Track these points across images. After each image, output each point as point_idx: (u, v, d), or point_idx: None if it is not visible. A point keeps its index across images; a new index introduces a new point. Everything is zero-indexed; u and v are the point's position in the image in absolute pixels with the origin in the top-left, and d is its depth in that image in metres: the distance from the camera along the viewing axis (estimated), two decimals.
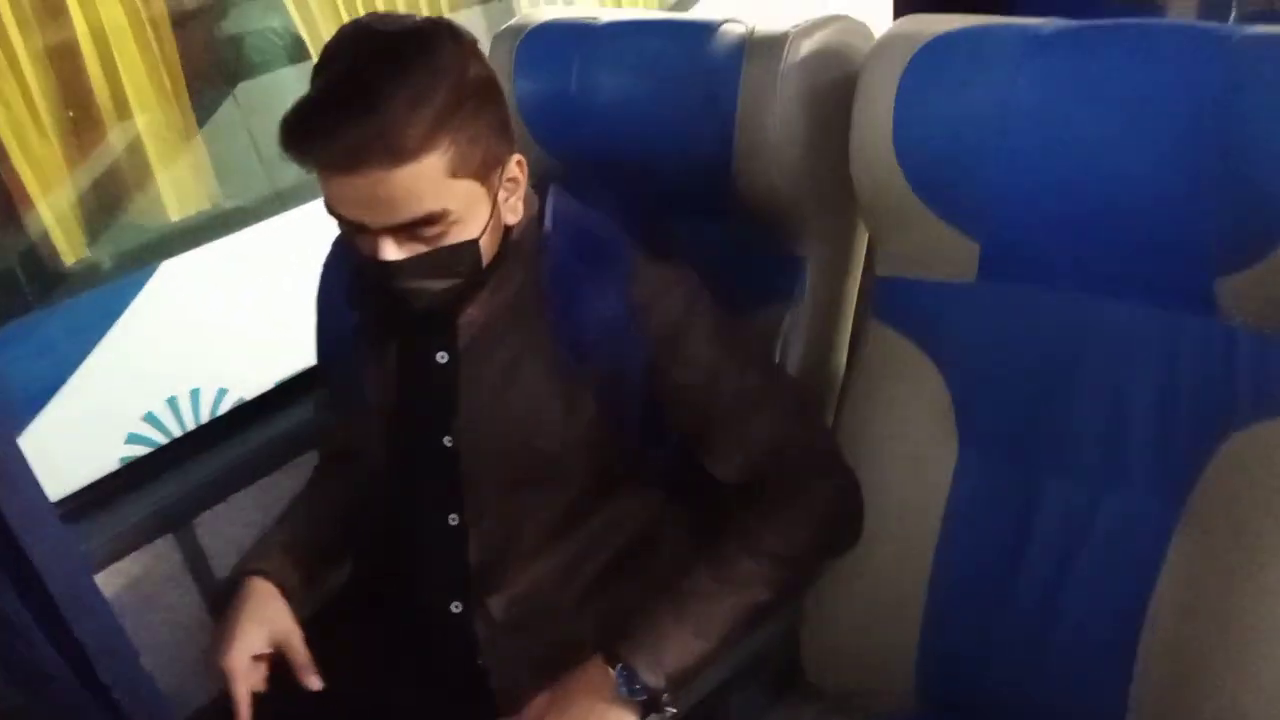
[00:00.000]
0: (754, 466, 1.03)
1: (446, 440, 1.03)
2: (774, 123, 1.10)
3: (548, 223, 1.02)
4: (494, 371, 1.02)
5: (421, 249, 0.91)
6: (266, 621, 1.03)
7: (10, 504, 0.91)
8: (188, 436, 1.43)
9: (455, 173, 0.89)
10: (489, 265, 0.98)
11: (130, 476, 1.33)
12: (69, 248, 3.12)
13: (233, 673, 0.99)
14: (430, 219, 0.89)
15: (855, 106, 1.02)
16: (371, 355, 1.07)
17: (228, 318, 2.76)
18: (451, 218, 0.90)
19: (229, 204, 3.05)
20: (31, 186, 2.83)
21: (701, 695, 1.02)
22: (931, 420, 1.06)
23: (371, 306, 1.05)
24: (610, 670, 0.94)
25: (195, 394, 2.74)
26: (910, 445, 1.07)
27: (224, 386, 2.72)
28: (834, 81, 1.10)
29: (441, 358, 1.03)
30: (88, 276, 3.15)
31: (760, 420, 1.02)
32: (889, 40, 1.02)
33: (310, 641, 1.04)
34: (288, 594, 1.05)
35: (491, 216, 0.95)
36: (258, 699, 1.01)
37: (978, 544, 1.03)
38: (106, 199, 3.11)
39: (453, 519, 1.05)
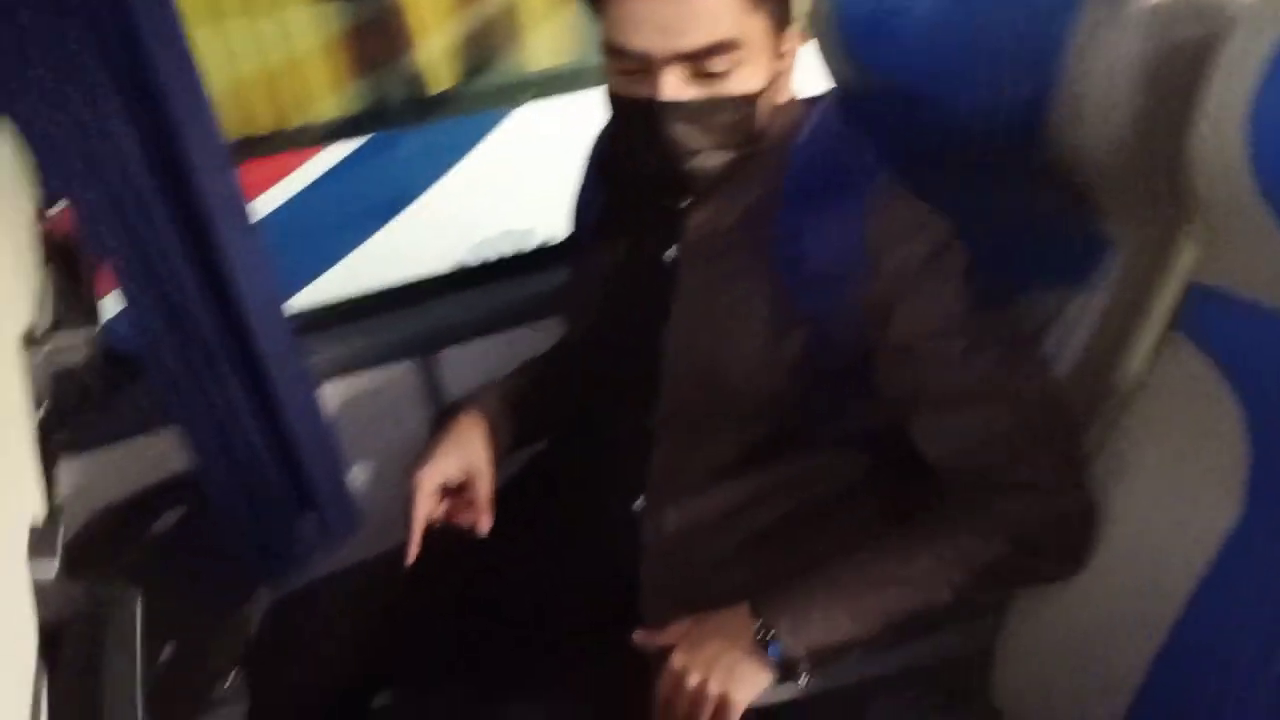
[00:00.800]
0: (967, 457, 0.93)
1: (654, 344, 1.00)
2: (1108, 74, 0.92)
3: (803, 135, 0.94)
4: (711, 284, 0.98)
5: (703, 92, 0.87)
6: (466, 452, 1.06)
7: (251, 301, 1.00)
8: (452, 273, 1.50)
9: (757, 2, 0.85)
10: (732, 166, 0.92)
11: (394, 297, 1.42)
12: (439, 78, 3.40)
13: (419, 487, 1.03)
14: (722, 46, 0.85)
15: (1209, 77, 0.82)
16: (606, 245, 1.06)
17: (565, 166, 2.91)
18: (740, 54, 0.86)
19: (589, 62, 3.17)
20: (417, 19, 3.09)
21: (849, 681, 0.96)
22: (1216, 466, 0.88)
23: (619, 192, 1.03)
24: (752, 623, 0.91)
25: (521, 233, 2.93)
26: (1183, 488, 0.91)
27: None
28: (1189, 42, 0.89)
29: (670, 255, 0.99)
30: (451, 105, 3.43)
31: (985, 410, 0.91)
32: (1268, 6, 0.80)
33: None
34: (494, 436, 1.09)
35: (770, 84, 0.90)
36: (428, 543, 1.05)
37: (1237, 631, 0.86)
38: (479, 40, 3.34)
39: (646, 422, 1.03)
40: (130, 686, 0.45)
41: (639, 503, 1.05)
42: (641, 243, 1.03)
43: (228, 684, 0.89)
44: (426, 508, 1.02)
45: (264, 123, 3.18)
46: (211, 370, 1.04)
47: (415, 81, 3.41)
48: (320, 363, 1.32)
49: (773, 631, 0.90)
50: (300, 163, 3.24)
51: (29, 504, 0.56)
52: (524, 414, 1.14)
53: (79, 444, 1.25)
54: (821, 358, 0.94)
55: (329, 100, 3.23)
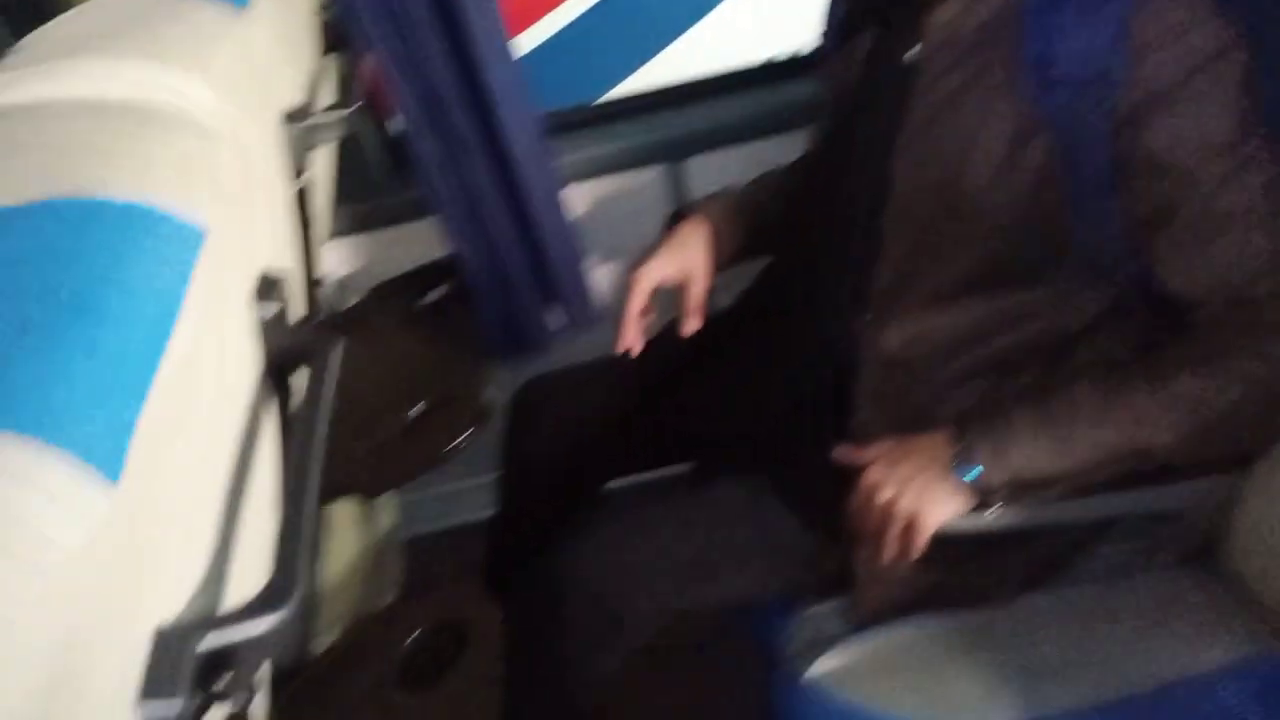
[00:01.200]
0: (1213, 292, 0.84)
1: (886, 152, 0.96)
2: None
3: None
4: (951, 87, 0.91)
5: None
6: (685, 254, 1.09)
7: (503, 99, 1.05)
8: (696, 83, 1.48)
9: None
10: None
11: (639, 104, 1.44)
12: None
13: (635, 284, 1.08)
14: None
15: None
16: (849, 46, 1.02)
17: None
18: None
19: None
20: None
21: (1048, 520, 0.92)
22: None
23: None
24: (952, 445, 0.90)
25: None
26: None
27: None
28: None
29: (910, 56, 0.94)
30: None
31: (1241, 242, 0.82)
32: None
33: (708, 322, 1.09)
34: (716, 245, 1.11)
35: None
36: (659, 348, 1.10)
37: None
38: None
39: (871, 233, 0.99)
40: (311, 428, 0.53)
41: (864, 319, 1.03)
42: (883, 43, 0.98)
43: (462, 440, 1.01)
44: (639, 304, 1.07)
45: None
46: (465, 162, 1.12)
47: None
48: (572, 163, 1.38)
49: (972, 456, 0.88)
50: None
51: (270, 258, 0.65)
52: (750, 226, 1.14)
53: (365, 225, 1.41)
54: (1065, 170, 0.86)
55: None
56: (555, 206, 1.20)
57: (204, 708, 0.39)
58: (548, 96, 1.40)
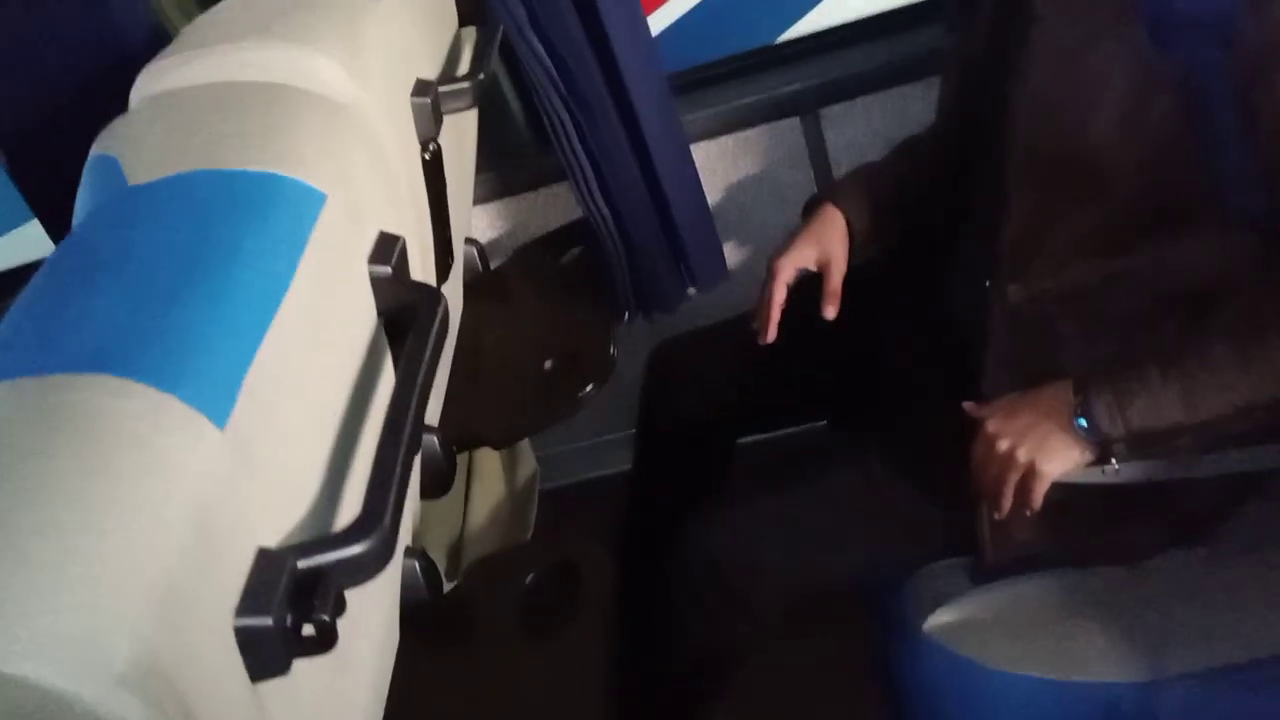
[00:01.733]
0: None
1: (1010, 107, 0.94)
2: None
3: None
4: (1072, 42, 0.89)
5: None
6: (822, 244, 1.11)
7: (631, 66, 1.08)
8: (830, 31, 1.46)
9: None
10: None
11: (772, 55, 1.43)
12: None
13: (776, 272, 1.11)
14: None
15: None
16: (969, 4, 1.00)
17: None
18: None
19: None
20: None
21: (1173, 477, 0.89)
22: None
23: None
24: (1072, 398, 0.89)
25: None
26: None
27: None
28: None
29: (1032, 10, 0.91)
30: None
31: None
32: None
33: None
34: (852, 232, 1.12)
35: None
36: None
37: None
38: None
39: (997, 190, 0.97)
40: (413, 378, 0.58)
41: (986, 282, 1.00)
42: (999, 2, 0.96)
43: (587, 394, 1.06)
44: (781, 294, 1.09)
45: None
46: (593, 125, 1.16)
47: None
48: (708, 119, 1.40)
49: (1092, 406, 0.87)
50: None
51: (390, 222, 0.71)
52: (883, 214, 1.15)
53: (510, 189, 1.48)
54: (1191, 122, 0.83)
55: None
56: (683, 168, 1.23)
57: (293, 626, 0.45)
58: (693, 50, 1.42)
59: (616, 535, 1.29)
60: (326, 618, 0.45)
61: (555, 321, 1.21)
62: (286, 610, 0.44)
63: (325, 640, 0.45)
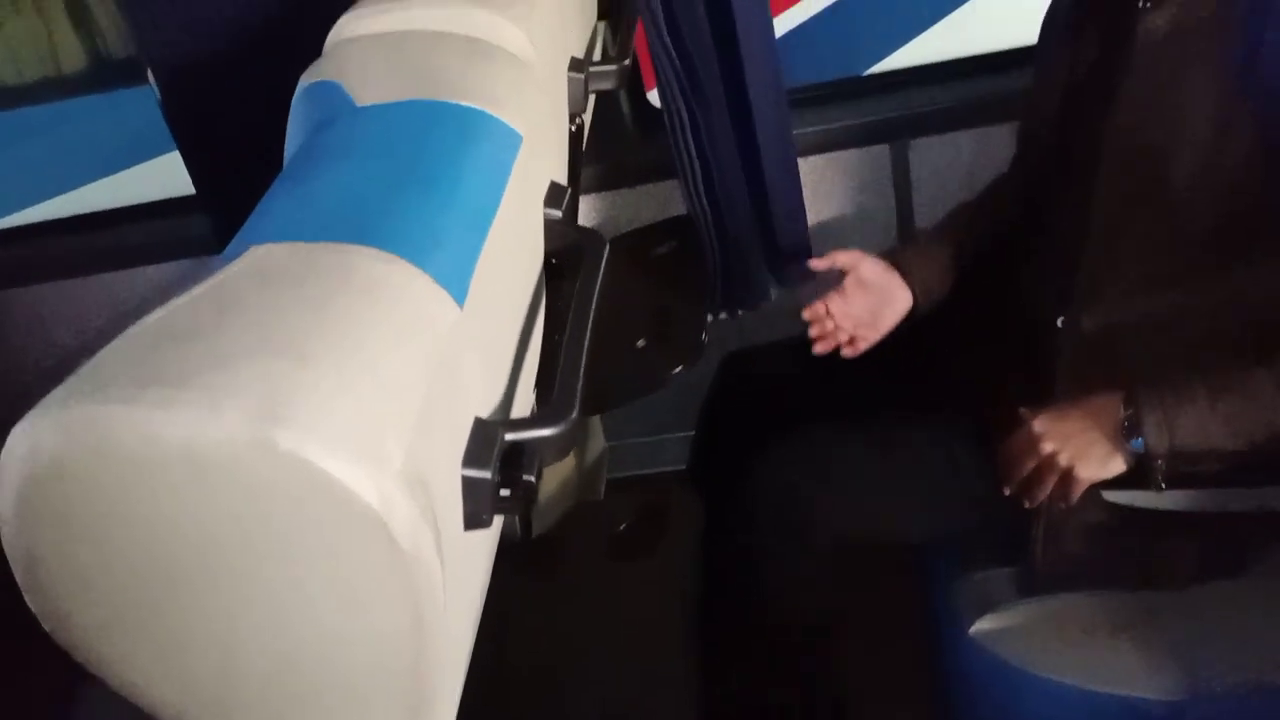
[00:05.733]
0: None
1: (1099, 138, 1.00)
2: None
3: None
4: (1162, 81, 0.95)
5: None
6: (878, 305, 1.21)
7: (755, 73, 1.16)
8: (928, 67, 1.54)
9: None
10: None
11: (870, 84, 1.51)
12: None
13: (845, 258, 1.19)
14: None
15: None
16: (1071, 41, 1.06)
17: None
18: None
19: None
20: None
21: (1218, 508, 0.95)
22: None
23: None
24: (1121, 409, 0.93)
25: None
26: None
27: None
28: None
29: (1127, 51, 0.97)
30: None
31: None
32: None
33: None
34: (913, 290, 1.20)
35: None
36: None
37: None
38: None
39: (1078, 218, 1.03)
40: (587, 306, 0.65)
41: (1058, 319, 1.06)
42: (1102, 38, 1.02)
43: (675, 372, 1.12)
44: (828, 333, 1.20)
45: None
46: (711, 125, 1.23)
47: None
48: (802, 138, 1.47)
49: (1140, 422, 0.91)
50: None
51: (556, 175, 0.78)
52: (957, 271, 1.22)
53: (607, 183, 1.56)
54: (1271, 159, 0.89)
55: None
56: (788, 175, 1.30)
57: (503, 484, 0.52)
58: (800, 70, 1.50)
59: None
60: (532, 478, 0.52)
61: (648, 305, 1.28)
62: (498, 471, 0.51)
63: (528, 497, 0.52)
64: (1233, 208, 0.93)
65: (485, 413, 0.56)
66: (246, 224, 0.55)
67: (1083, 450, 0.94)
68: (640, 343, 1.22)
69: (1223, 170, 0.91)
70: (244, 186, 0.66)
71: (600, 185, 1.56)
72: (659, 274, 1.37)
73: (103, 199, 1.88)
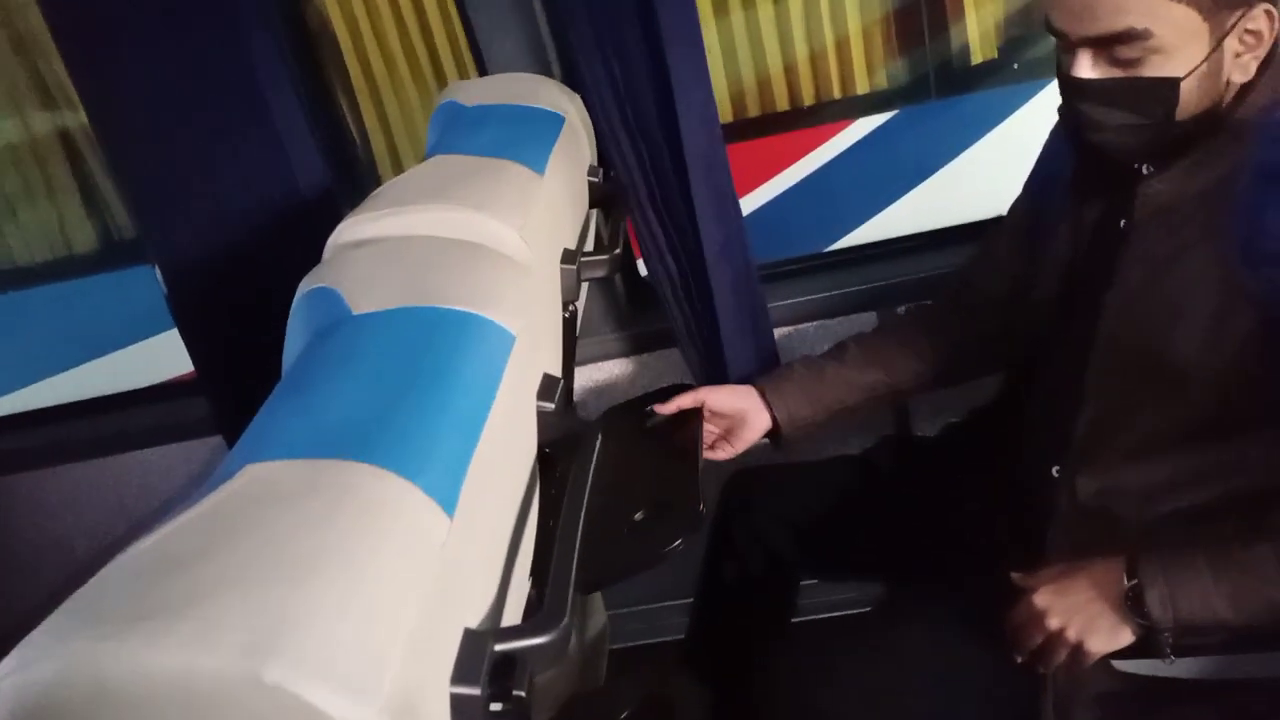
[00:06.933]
0: None
1: (1096, 310, 1.01)
2: None
3: (1277, 112, 0.89)
4: (1161, 254, 0.96)
5: (1116, 73, 0.90)
6: (740, 424, 1.25)
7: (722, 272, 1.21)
8: (915, 235, 1.62)
9: None
10: (1189, 134, 0.92)
11: (858, 254, 1.58)
12: (979, 49, 3.44)
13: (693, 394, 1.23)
14: (1128, 36, 0.87)
15: None
16: (1072, 209, 1.08)
17: None
18: (1153, 43, 0.87)
19: None
20: None
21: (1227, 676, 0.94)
22: None
23: (1079, 156, 1.06)
24: (1125, 580, 0.93)
25: None
26: None
27: None
28: None
29: (1125, 222, 1.00)
30: (986, 77, 3.45)
31: None
32: None
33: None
34: (774, 415, 1.25)
35: (1206, 61, 0.88)
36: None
37: None
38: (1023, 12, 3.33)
39: (1075, 386, 1.04)
40: (580, 497, 0.66)
41: (1054, 470, 1.07)
42: (1100, 209, 1.04)
43: (675, 546, 1.11)
44: (686, 403, 1.23)
45: (807, 97, 3.50)
46: (691, 302, 1.28)
47: (952, 55, 3.48)
48: (791, 307, 1.52)
49: (1144, 596, 0.91)
50: (834, 134, 3.52)
51: (550, 366, 0.81)
52: (809, 404, 1.26)
53: (605, 354, 1.60)
54: (1270, 343, 0.90)
55: (867, 76, 3.45)
56: (763, 348, 1.35)
57: (493, 698, 0.51)
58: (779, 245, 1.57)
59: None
60: (523, 693, 0.51)
61: (646, 475, 1.29)
62: (489, 684, 0.51)
63: (520, 712, 0.51)
64: (1233, 382, 0.94)
65: (476, 619, 0.56)
66: (243, 438, 0.57)
67: (1090, 624, 0.94)
68: (638, 515, 1.22)
69: (1223, 347, 0.93)
70: (243, 372, 0.68)
71: (594, 356, 1.59)
72: (653, 442, 1.38)
73: (111, 376, 1.94)
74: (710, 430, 1.25)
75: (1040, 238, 1.14)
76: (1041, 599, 0.96)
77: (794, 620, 1.37)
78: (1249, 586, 0.89)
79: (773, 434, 1.26)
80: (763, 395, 1.25)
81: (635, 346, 1.58)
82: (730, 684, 1.27)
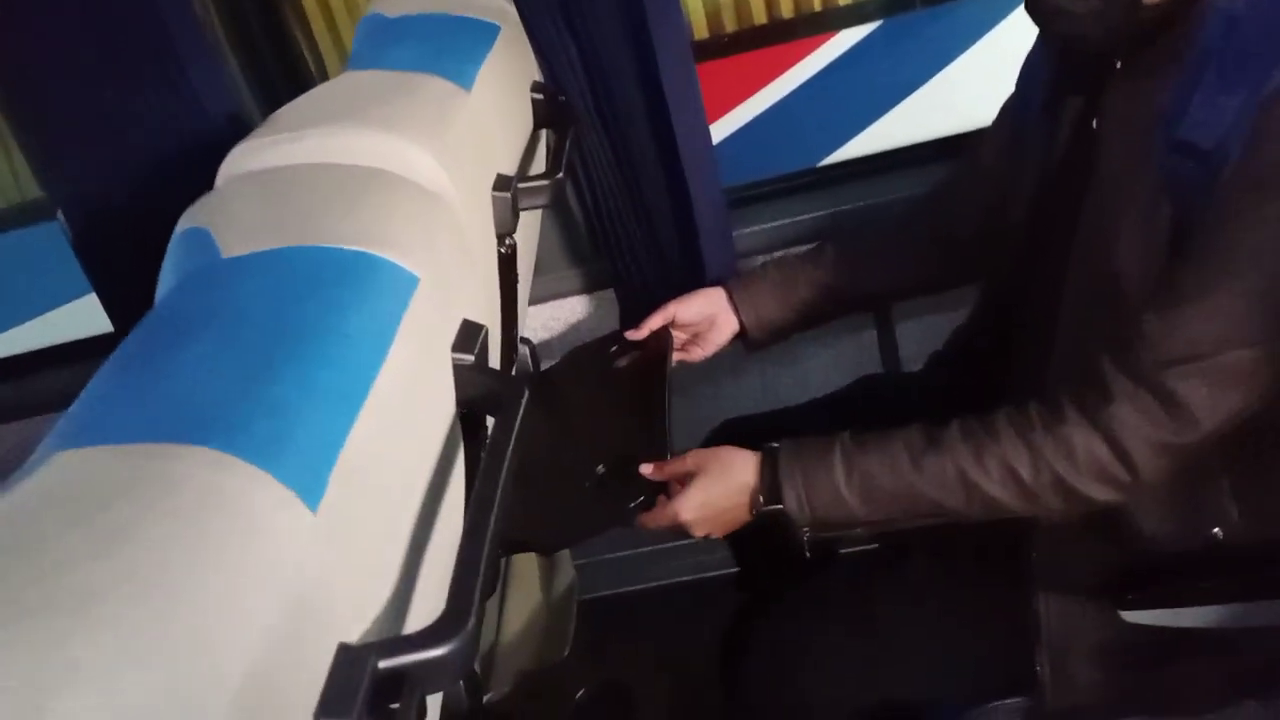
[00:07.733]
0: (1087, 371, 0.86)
1: (1067, 232, 0.93)
2: None
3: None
4: (1118, 164, 0.88)
5: None
6: (708, 327, 1.23)
7: (691, 170, 1.09)
8: (881, 154, 1.52)
9: None
10: (1155, 22, 0.84)
11: (826, 175, 1.47)
12: None
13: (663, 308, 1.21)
14: None
15: None
16: (1047, 111, 1.00)
17: None
18: None
19: None
20: None
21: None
22: None
23: (1053, 55, 1.00)
24: (759, 488, 0.96)
25: None
26: None
27: None
28: None
29: (1094, 124, 0.92)
30: None
31: (1183, 328, 0.80)
32: None
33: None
34: (741, 319, 1.22)
35: None
36: None
37: None
38: None
39: (1047, 321, 0.97)
40: (497, 469, 0.56)
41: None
42: (1076, 109, 0.96)
43: (640, 503, 1.03)
44: (657, 323, 1.21)
45: (786, 9, 3.35)
46: (647, 233, 1.17)
47: None
48: (753, 235, 1.42)
49: (780, 498, 0.94)
50: (816, 48, 3.37)
51: (472, 311, 0.69)
52: (776, 307, 1.22)
53: (567, 291, 1.49)
54: (1183, 245, 0.81)
55: None
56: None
57: None
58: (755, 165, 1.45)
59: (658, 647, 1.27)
60: None
61: (608, 426, 1.19)
62: (366, 715, 0.41)
63: None
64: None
65: (356, 633, 0.46)
66: (64, 417, 0.46)
67: (730, 526, 1.00)
68: (600, 468, 1.12)
69: (1153, 249, 0.85)
70: None
71: (553, 293, 1.48)
72: (617, 389, 1.28)
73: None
74: (679, 336, 1.24)
75: (1022, 140, 1.06)
76: (687, 514, 0.98)
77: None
78: (877, 481, 0.91)
79: (742, 335, 1.24)
80: (730, 297, 1.22)
81: (600, 282, 1.47)
82: (730, 626, 1.25)
